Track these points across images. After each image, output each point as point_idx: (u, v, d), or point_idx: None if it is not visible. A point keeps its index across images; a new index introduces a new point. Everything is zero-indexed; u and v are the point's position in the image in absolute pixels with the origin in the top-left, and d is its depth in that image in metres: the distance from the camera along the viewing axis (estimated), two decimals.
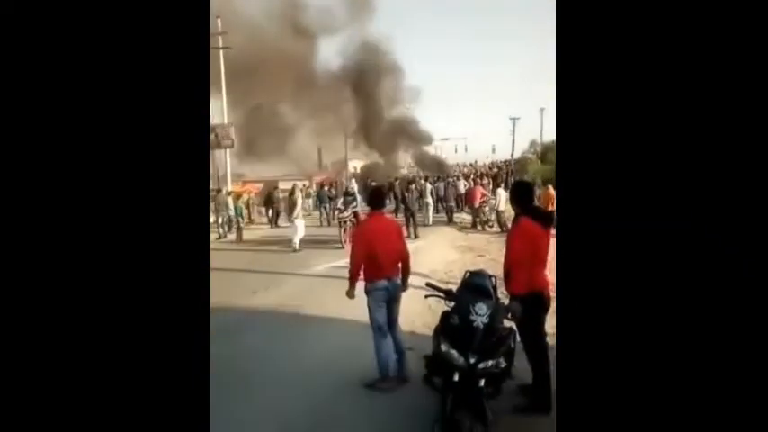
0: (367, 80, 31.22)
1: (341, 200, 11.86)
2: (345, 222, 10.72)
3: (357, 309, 3.85)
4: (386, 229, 3.70)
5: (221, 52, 20.05)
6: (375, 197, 3.91)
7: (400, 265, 3.74)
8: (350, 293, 3.71)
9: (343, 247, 9.97)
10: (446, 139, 46.45)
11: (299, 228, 10.87)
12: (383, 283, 3.58)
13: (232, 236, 13.62)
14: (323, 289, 6.78)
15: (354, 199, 11.26)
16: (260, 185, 25.26)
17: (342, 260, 8.85)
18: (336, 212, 11.89)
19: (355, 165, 40.65)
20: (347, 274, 3.66)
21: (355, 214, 10.83)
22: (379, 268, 3.57)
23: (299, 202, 11.36)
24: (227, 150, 20.21)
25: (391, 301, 3.66)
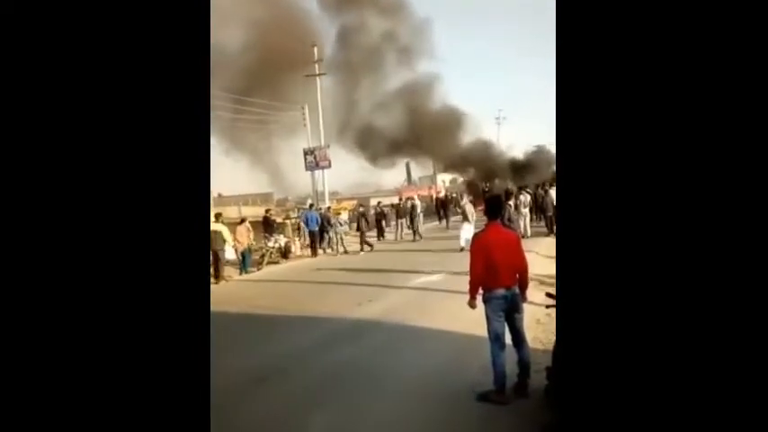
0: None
1: None
2: None
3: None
4: (503, 239, 3.71)
5: (318, 79, 21.43)
6: (492, 207, 3.92)
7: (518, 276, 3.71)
8: (471, 304, 3.75)
9: None
10: (540, 146, 44.07)
11: (469, 230, 11.53)
12: (501, 291, 3.58)
13: (330, 251, 14.29)
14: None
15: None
16: (354, 201, 26.34)
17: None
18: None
19: (444, 179, 40.58)
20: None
21: None
22: (497, 278, 3.59)
23: (472, 209, 12.75)
24: (325, 171, 21.46)
25: (511, 311, 3.65)
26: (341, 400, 3.91)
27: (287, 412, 3.79)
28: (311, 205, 16.54)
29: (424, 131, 26.78)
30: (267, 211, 14.93)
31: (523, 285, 3.75)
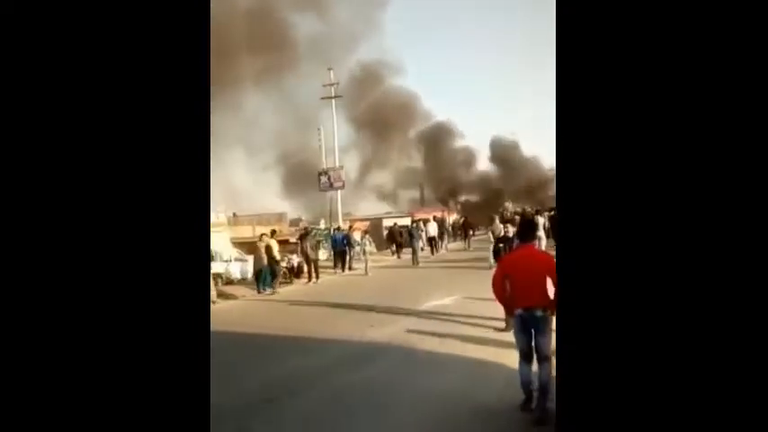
0: None
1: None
2: None
3: None
4: (528, 260, 3.73)
5: (333, 101, 21.85)
6: (523, 230, 4.04)
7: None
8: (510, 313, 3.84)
9: None
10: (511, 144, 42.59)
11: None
12: (519, 311, 3.66)
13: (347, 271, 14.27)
14: None
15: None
16: (367, 222, 26.46)
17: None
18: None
19: (456, 201, 40.57)
20: None
21: None
22: (516, 297, 3.67)
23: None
24: (339, 191, 21.68)
25: (537, 334, 3.62)
26: (349, 423, 3.87)
27: None
28: (338, 227, 16.93)
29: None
30: (305, 229, 15.61)
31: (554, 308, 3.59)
